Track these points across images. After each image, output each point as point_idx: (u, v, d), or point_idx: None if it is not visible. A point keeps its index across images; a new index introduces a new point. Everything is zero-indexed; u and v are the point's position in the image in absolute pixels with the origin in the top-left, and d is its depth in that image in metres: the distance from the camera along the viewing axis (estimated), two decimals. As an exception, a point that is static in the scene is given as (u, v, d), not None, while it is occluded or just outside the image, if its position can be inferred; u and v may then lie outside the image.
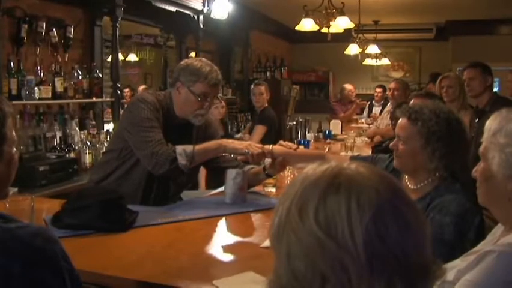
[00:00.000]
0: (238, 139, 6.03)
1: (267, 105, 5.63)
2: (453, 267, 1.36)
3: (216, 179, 2.87)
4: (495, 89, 6.12)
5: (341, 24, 5.20)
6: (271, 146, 2.67)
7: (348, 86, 8.16)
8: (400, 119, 2.04)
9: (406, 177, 2.09)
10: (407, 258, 0.81)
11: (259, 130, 5.37)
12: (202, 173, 3.72)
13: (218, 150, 2.61)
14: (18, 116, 3.77)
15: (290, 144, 2.75)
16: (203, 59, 2.68)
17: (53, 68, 4.06)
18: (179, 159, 2.44)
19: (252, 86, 5.70)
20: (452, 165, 1.92)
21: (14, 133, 1.25)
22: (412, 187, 2.02)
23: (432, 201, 1.89)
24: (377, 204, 0.81)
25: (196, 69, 2.53)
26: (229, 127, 6.64)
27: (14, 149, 1.26)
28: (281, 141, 2.77)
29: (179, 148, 2.46)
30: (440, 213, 1.81)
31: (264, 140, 5.34)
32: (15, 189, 2.73)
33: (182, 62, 2.68)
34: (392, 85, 6.24)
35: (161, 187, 2.64)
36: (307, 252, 0.82)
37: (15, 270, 1.05)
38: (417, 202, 1.92)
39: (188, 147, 2.47)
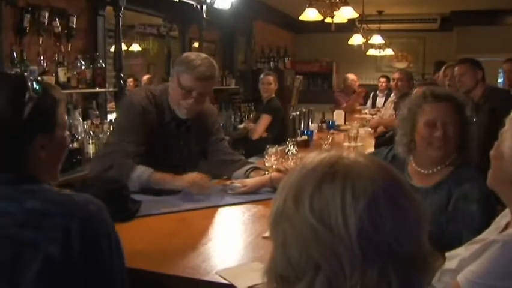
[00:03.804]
0: (242, 128, 6.07)
1: (274, 95, 5.65)
2: (456, 256, 1.36)
3: (216, 170, 2.87)
4: (499, 80, 6.11)
5: (344, 14, 5.18)
6: (270, 174, 2.67)
7: (351, 76, 8.13)
8: (443, 103, 1.97)
9: (413, 163, 2.08)
10: (402, 248, 0.81)
11: (264, 120, 5.40)
12: None
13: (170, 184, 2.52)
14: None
15: (288, 166, 2.74)
16: (203, 54, 2.64)
17: (56, 58, 4.05)
18: (131, 185, 2.39)
19: (261, 76, 5.72)
20: (471, 152, 1.96)
21: (65, 117, 1.37)
22: (425, 172, 2.01)
23: (451, 191, 1.90)
24: (372, 193, 0.81)
25: (188, 60, 2.52)
26: (233, 117, 6.65)
27: (67, 132, 1.37)
28: (279, 167, 2.76)
29: (136, 173, 2.43)
30: (465, 203, 1.83)
31: (269, 131, 5.35)
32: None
33: (184, 54, 2.69)
34: (396, 75, 6.23)
35: None
36: (301, 240, 0.82)
37: (74, 227, 1.19)
38: (433, 188, 1.93)
39: (147, 173, 2.44)
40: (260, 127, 5.35)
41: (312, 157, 0.89)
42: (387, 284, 0.79)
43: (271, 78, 5.61)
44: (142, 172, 2.45)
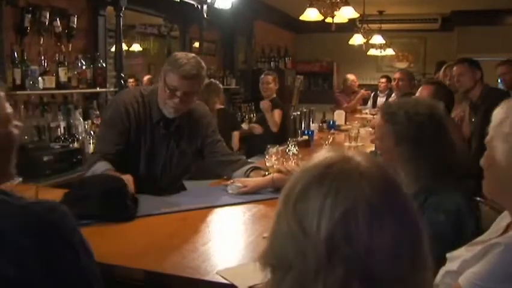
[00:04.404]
0: (247, 129, 6.06)
1: (275, 95, 5.66)
2: (458, 257, 1.36)
3: (216, 171, 2.88)
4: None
5: (345, 14, 5.18)
6: (271, 175, 2.66)
7: (350, 76, 8.13)
8: (378, 115, 2.07)
9: None
10: (373, 261, 0.79)
11: (278, 113, 5.45)
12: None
13: None
14: (22, 106, 3.78)
15: (290, 167, 2.73)
16: (191, 54, 2.64)
17: (56, 58, 4.06)
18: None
19: (262, 76, 5.74)
20: (417, 168, 1.87)
21: (6, 109, 1.18)
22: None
23: (426, 199, 1.88)
24: (353, 202, 0.80)
25: (174, 59, 2.53)
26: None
27: (13, 124, 1.20)
28: (281, 167, 2.76)
29: (93, 168, 2.47)
30: (435, 212, 1.80)
31: (283, 125, 5.38)
32: (20, 179, 2.73)
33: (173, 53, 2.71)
34: (397, 75, 6.23)
35: (151, 180, 2.66)
36: (283, 238, 0.84)
37: (30, 241, 1.06)
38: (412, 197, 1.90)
39: (101, 169, 2.46)
40: (276, 121, 5.40)
41: (319, 156, 0.89)
42: None
43: (270, 78, 5.61)
44: (98, 168, 2.46)
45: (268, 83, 5.57)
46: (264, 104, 5.53)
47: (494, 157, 1.30)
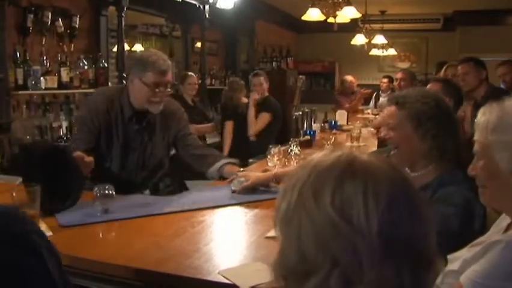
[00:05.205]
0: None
1: (267, 94, 5.58)
2: (459, 257, 1.36)
3: (195, 166, 2.90)
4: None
5: (347, 14, 5.17)
6: (274, 170, 2.68)
7: (348, 78, 8.12)
8: (387, 108, 2.02)
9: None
10: (417, 247, 0.82)
11: (264, 118, 5.33)
12: None
13: None
14: (24, 106, 3.79)
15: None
16: (152, 49, 2.77)
17: (58, 58, 4.07)
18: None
19: (250, 77, 5.66)
20: (444, 144, 1.89)
21: None
22: (412, 174, 2.00)
23: (435, 192, 1.88)
24: (392, 194, 0.82)
25: (144, 59, 2.61)
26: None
27: None
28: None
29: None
30: (443, 205, 1.80)
31: (270, 131, 5.31)
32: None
33: (133, 54, 2.77)
34: (399, 75, 6.24)
35: (127, 177, 2.73)
36: (320, 234, 0.82)
37: None
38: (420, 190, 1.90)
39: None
40: (259, 125, 5.29)
41: (325, 154, 0.89)
42: (401, 282, 0.80)
43: (261, 78, 5.49)
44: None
45: (261, 84, 5.44)
46: (252, 97, 5.40)
47: (495, 167, 1.26)
